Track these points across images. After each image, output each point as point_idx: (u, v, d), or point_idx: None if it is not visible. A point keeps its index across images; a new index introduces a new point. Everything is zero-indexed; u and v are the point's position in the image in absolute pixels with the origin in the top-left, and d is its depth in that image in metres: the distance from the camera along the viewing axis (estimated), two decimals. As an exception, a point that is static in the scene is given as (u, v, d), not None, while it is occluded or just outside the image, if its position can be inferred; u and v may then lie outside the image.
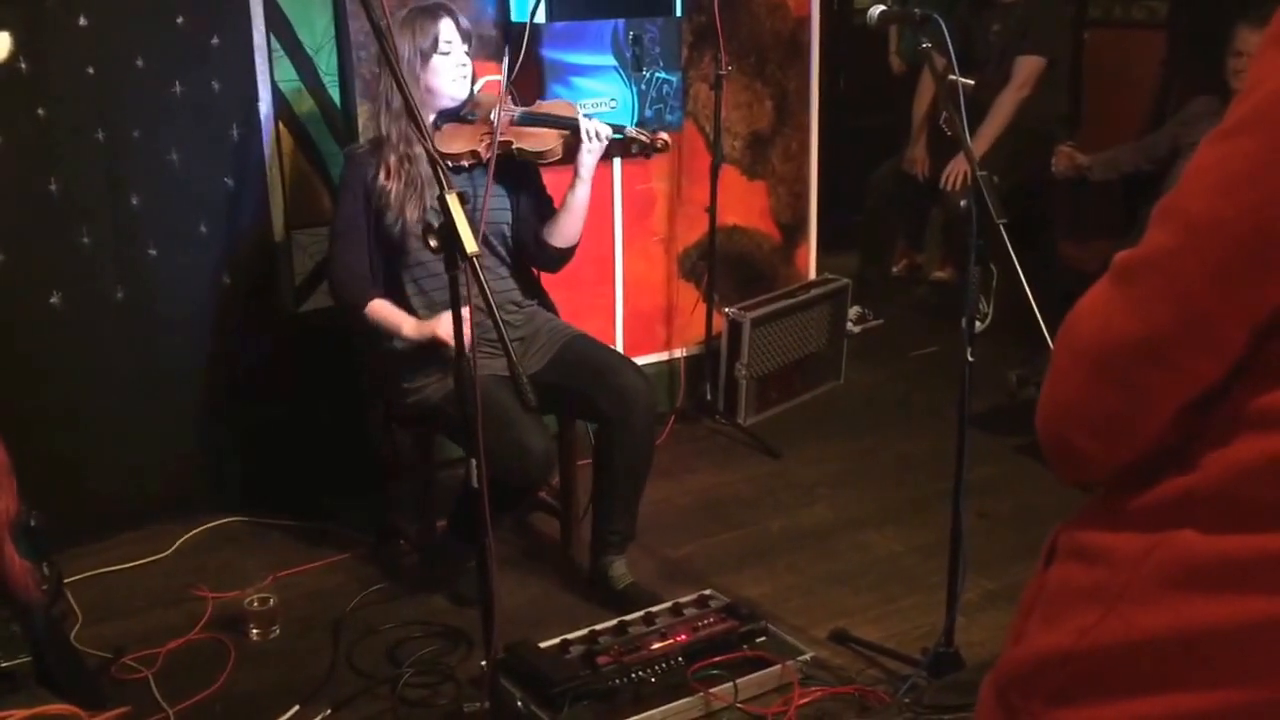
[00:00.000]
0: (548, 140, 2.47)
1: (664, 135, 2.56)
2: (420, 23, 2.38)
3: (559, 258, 2.56)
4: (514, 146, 2.46)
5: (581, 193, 2.48)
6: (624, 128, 2.54)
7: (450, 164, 2.42)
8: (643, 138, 2.53)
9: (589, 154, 2.44)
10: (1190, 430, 0.83)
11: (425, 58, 2.37)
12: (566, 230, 2.52)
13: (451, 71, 2.40)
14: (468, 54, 2.43)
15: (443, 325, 2.31)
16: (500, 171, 2.44)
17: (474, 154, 2.44)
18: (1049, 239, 3.98)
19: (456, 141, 2.44)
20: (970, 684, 2.09)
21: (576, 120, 2.45)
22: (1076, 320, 0.87)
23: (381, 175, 2.39)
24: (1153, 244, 0.82)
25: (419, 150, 2.32)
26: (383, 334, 2.44)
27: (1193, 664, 0.81)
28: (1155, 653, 0.82)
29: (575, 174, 2.47)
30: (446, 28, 2.38)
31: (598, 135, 2.43)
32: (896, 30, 4.60)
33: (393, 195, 2.38)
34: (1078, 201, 4.26)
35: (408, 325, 2.40)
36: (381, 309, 2.42)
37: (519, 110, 2.50)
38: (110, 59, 2.57)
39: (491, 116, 2.44)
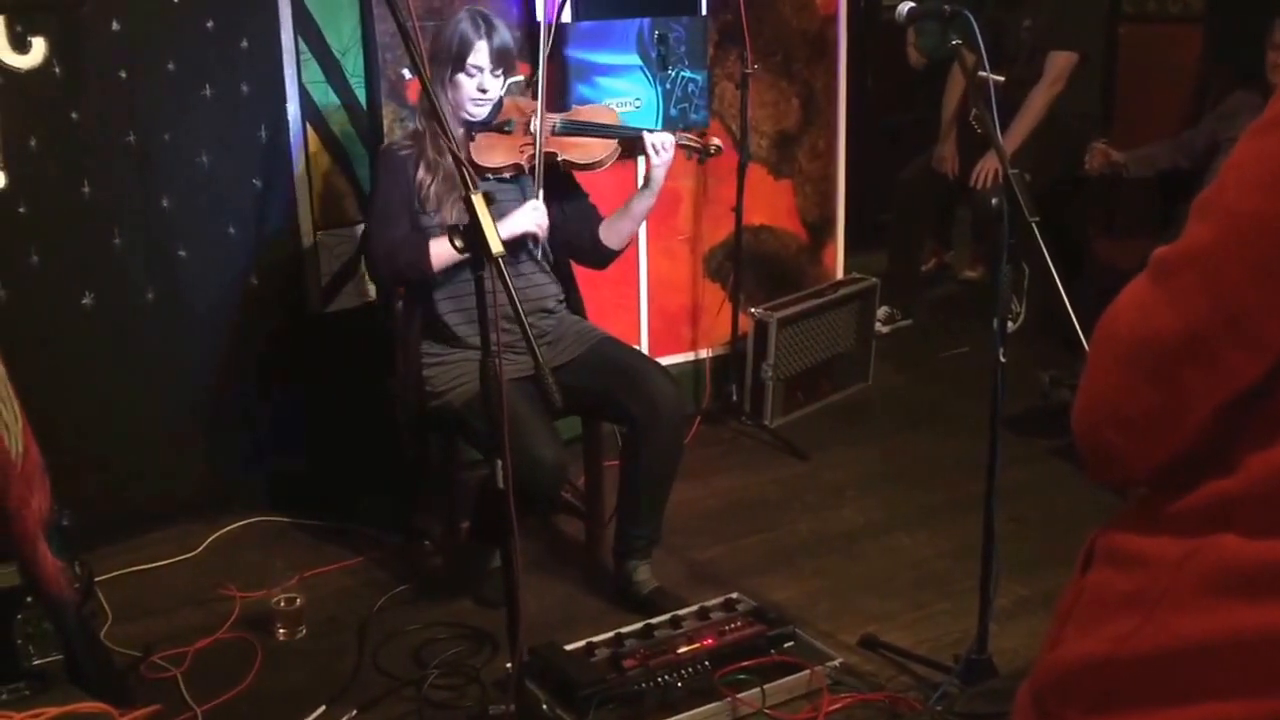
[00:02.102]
0: (595, 150, 2.46)
1: (715, 140, 2.55)
2: (460, 34, 2.34)
3: (611, 257, 2.57)
4: (559, 158, 2.44)
5: (648, 201, 2.49)
6: (675, 135, 2.52)
7: (491, 176, 2.42)
8: (694, 143, 2.53)
9: (658, 168, 2.43)
10: (1230, 431, 0.82)
11: (453, 70, 2.35)
12: (625, 233, 2.54)
13: (471, 93, 2.37)
14: (497, 75, 2.38)
15: (527, 220, 2.34)
16: (544, 183, 2.44)
17: (516, 166, 2.43)
18: (1083, 238, 3.92)
19: (495, 153, 2.42)
20: (1004, 692, 2.07)
21: (640, 133, 2.43)
22: (1114, 316, 0.85)
23: (421, 170, 2.38)
24: (1192, 239, 0.80)
25: (452, 151, 2.32)
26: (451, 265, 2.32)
27: (1234, 671, 0.80)
28: (1196, 660, 0.81)
29: (644, 184, 2.49)
30: (480, 52, 2.34)
31: (664, 147, 2.41)
32: (915, 25, 4.55)
33: (432, 192, 2.38)
34: (1112, 199, 4.20)
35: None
36: (439, 250, 2.31)
37: (559, 119, 2.47)
38: (142, 63, 2.59)
39: (532, 128, 2.42)
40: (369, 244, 2.45)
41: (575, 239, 2.53)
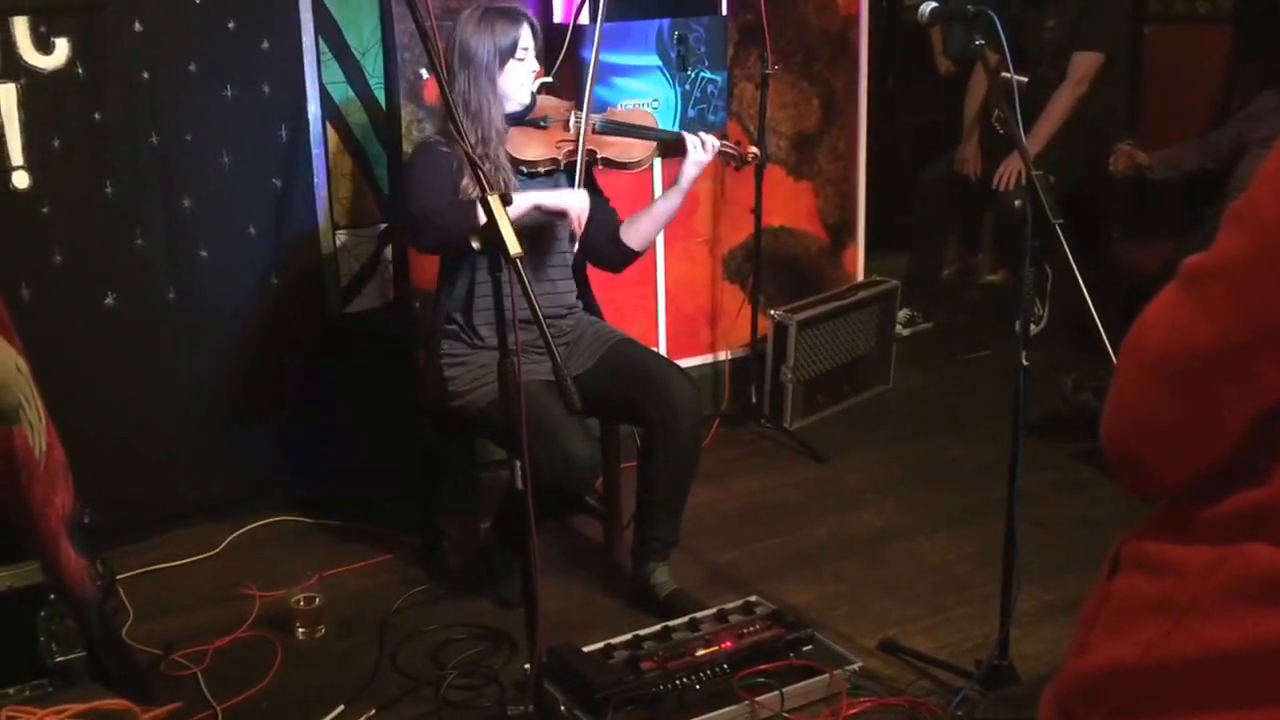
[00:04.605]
0: (634, 151, 2.49)
1: (753, 148, 2.58)
2: (501, 25, 2.37)
3: (630, 258, 2.56)
4: (599, 156, 2.46)
5: (675, 201, 2.49)
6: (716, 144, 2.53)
7: (525, 170, 2.44)
8: (733, 151, 2.54)
9: (694, 165, 2.44)
10: (1262, 442, 0.81)
11: (502, 61, 2.37)
12: (647, 233, 2.53)
13: (524, 77, 2.41)
14: (537, 55, 2.44)
15: (574, 198, 2.34)
16: (569, 177, 2.45)
17: (553, 160, 2.45)
18: (1107, 240, 3.89)
19: (532, 147, 2.44)
20: (1025, 698, 2.05)
21: (682, 135, 2.47)
22: (1143, 328, 0.84)
23: (466, 174, 2.37)
24: (1224, 250, 0.79)
25: (494, 152, 2.35)
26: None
27: (1263, 679, 0.79)
28: (1224, 667, 0.81)
29: (675, 182, 2.47)
30: (526, 34, 2.39)
31: (706, 148, 2.43)
32: (939, 31, 4.52)
33: (474, 194, 2.37)
34: (1137, 201, 4.17)
35: (534, 198, 2.31)
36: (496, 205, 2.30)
37: (600, 119, 2.50)
38: (164, 63, 2.61)
39: (572, 124, 2.45)
40: (416, 204, 2.34)
41: (595, 239, 2.53)
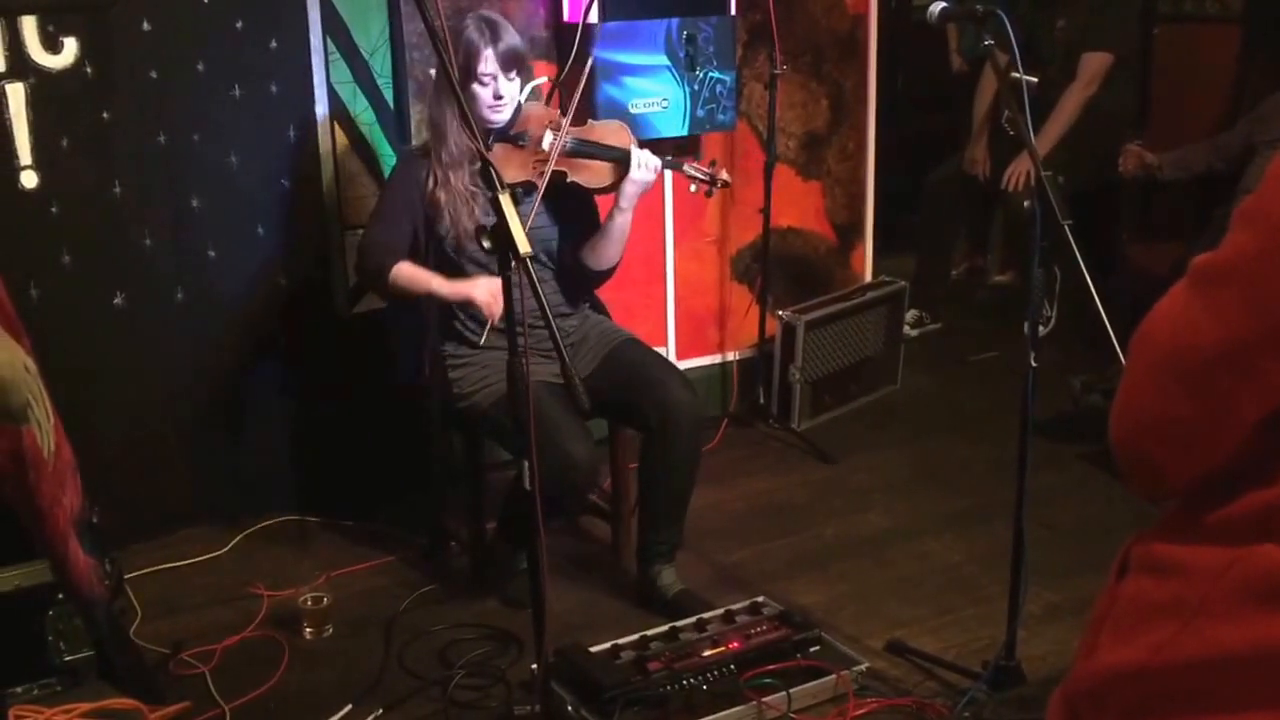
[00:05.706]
0: (602, 175, 2.42)
1: (725, 173, 2.47)
2: (466, 42, 2.30)
3: (596, 278, 2.51)
4: (568, 179, 2.41)
5: (620, 221, 2.41)
6: (682, 165, 2.47)
7: None
8: (701, 175, 2.44)
9: (632, 184, 2.36)
10: (1271, 443, 0.80)
11: (464, 81, 2.30)
12: (603, 254, 2.45)
13: (488, 101, 2.33)
14: (511, 79, 2.34)
15: (478, 288, 2.30)
16: (550, 192, 2.41)
17: (528, 183, 2.39)
18: (1116, 241, 3.87)
19: (508, 169, 2.38)
20: (1032, 699, 2.05)
21: (628, 151, 2.38)
22: (1152, 326, 0.84)
23: (431, 182, 2.38)
24: (1234, 248, 0.79)
25: (457, 181, 2.33)
26: (414, 297, 2.38)
27: (1271, 681, 0.79)
28: (1232, 669, 0.81)
29: (615, 201, 2.39)
30: (486, 61, 2.30)
31: (645, 166, 2.35)
32: (955, 28, 4.52)
33: (443, 203, 2.37)
34: (1146, 202, 4.15)
35: (436, 282, 2.35)
36: (406, 269, 2.36)
37: (572, 140, 2.41)
38: (172, 63, 2.62)
39: (545, 145, 2.39)
40: (360, 240, 2.48)
41: (564, 255, 2.48)
